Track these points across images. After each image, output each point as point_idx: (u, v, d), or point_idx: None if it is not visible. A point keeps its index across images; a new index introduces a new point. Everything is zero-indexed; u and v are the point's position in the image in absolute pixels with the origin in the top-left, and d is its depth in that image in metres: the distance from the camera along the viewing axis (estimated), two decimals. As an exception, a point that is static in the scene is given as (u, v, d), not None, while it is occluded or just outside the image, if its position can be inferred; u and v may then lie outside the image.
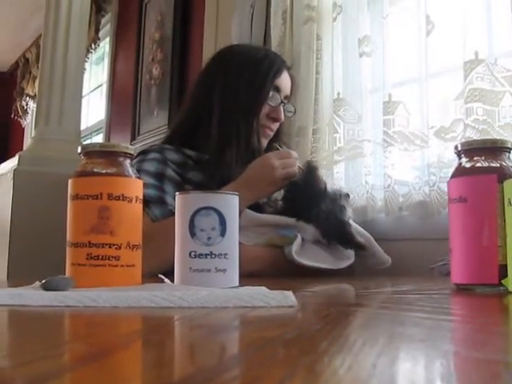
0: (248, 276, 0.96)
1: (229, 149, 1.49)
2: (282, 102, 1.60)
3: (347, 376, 0.29)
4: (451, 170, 0.89)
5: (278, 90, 1.59)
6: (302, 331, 0.45)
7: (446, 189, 1.42)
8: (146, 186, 1.39)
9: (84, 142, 4.31)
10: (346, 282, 1.21)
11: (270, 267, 1.36)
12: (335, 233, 1.40)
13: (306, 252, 1.36)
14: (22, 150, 3.50)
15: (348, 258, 1.43)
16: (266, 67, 1.59)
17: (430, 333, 0.44)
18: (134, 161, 1.55)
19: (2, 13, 5.19)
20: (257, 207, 1.42)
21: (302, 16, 1.99)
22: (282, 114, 1.60)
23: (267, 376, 0.29)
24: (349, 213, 1.45)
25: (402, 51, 1.73)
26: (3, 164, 2.47)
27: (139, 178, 0.84)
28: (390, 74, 1.69)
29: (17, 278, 1.99)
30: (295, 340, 0.41)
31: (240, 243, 0.85)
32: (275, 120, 1.59)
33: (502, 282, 0.76)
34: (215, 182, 1.43)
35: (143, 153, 1.54)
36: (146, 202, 1.31)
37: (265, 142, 1.59)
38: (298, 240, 1.36)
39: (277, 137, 1.65)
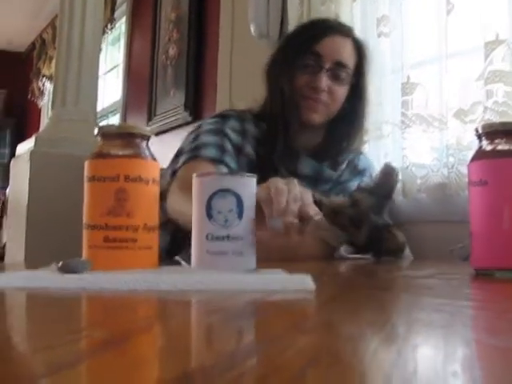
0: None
1: (276, 121, 1.46)
2: (323, 68, 1.45)
3: (372, 363, 0.29)
4: (471, 153, 0.88)
5: (318, 55, 1.46)
6: (320, 317, 0.44)
7: (465, 171, 1.41)
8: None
9: (100, 123, 4.33)
10: (366, 266, 1.20)
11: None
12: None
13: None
14: (38, 131, 3.52)
15: None
16: (300, 34, 1.52)
17: (450, 319, 0.44)
18: (209, 120, 1.52)
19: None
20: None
21: (320, -4, 1.96)
22: (323, 81, 1.45)
23: (288, 365, 0.28)
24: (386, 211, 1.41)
25: (421, 31, 1.71)
26: (20, 145, 2.48)
27: (155, 159, 0.83)
28: (408, 54, 1.67)
29: (34, 259, 2.00)
30: (315, 326, 0.40)
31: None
32: (315, 89, 1.45)
33: (523, 266, 0.75)
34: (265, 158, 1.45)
35: (222, 116, 1.51)
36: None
37: (315, 116, 1.47)
38: (349, 249, 1.36)
39: (351, 118, 1.53)
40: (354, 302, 0.55)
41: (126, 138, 0.82)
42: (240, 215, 0.81)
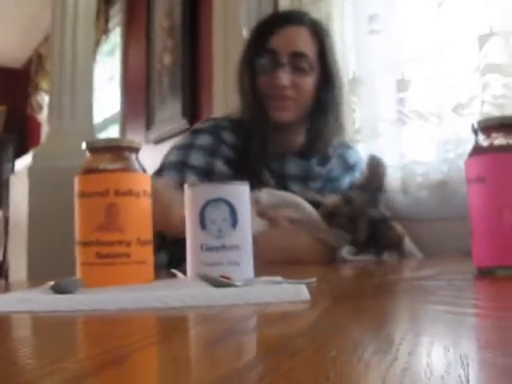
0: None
1: (248, 125, 1.44)
2: (280, 63, 1.39)
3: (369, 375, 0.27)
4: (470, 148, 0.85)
5: (272, 51, 1.40)
6: (311, 333, 0.43)
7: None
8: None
9: (100, 135, 4.31)
10: (365, 268, 1.18)
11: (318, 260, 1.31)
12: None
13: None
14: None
15: None
16: (254, 32, 1.47)
17: (449, 331, 0.42)
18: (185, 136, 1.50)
19: (13, 9, 5.18)
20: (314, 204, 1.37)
21: (311, -4, 1.95)
22: (284, 77, 1.38)
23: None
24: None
25: (413, 27, 1.69)
26: (19, 161, 2.46)
27: (145, 171, 0.81)
28: (402, 51, 1.65)
29: (37, 276, 1.98)
30: (312, 340, 0.38)
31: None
32: (277, 87, 1.39)
33: (526, 263, 0.73)
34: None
35: (195, 131, 1.48)
36: None
37: (285, 114, 1.42)
38: (350, 249, 1.33)
39: (326, 108, 1.45)
40: (350, 312, 0.53)
41: (114, 151, 0.81)
42: (234, 224, 0.79)
